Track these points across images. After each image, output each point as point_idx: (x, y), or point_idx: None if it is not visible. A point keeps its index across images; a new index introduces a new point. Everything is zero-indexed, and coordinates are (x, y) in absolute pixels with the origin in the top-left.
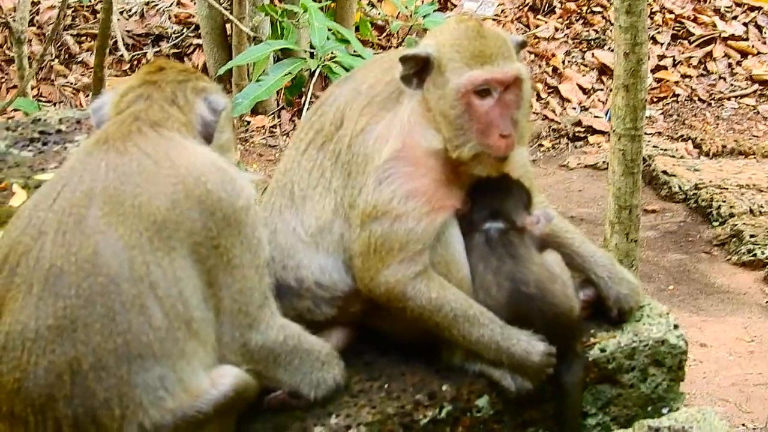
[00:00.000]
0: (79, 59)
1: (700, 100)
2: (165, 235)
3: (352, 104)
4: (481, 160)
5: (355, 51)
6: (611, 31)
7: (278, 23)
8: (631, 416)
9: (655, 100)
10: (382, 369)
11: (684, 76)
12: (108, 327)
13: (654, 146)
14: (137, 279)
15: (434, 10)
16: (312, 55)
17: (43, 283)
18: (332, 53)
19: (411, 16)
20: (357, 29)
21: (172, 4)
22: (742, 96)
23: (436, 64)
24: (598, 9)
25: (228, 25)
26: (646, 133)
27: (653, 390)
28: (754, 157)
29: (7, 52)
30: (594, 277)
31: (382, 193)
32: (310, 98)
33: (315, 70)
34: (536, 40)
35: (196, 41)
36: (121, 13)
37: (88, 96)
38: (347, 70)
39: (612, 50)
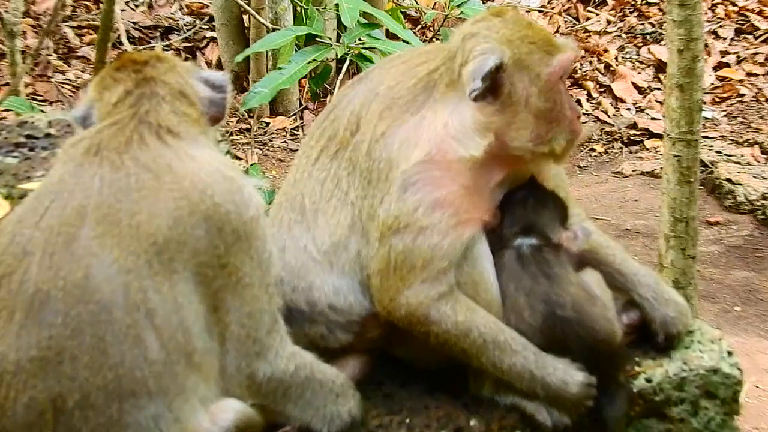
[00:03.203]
0: (80, 54)
1: (767, 100)
2: (166, 258)
3: (368, 107)
4: (568, 148)
5: (389, 32)
6: None
7: (302, 12)
8: None
9: (717, 100)
10: (403, 402)
11: (749, 74)
12: (98, 360)
13: (717, 152)
14: (132, 307)
15: None
16: (339, 43)
17: (26, 310)
18: (361, 40)
19: (447, 5)
20: None
21: None
22: None
23: (510, 64)
24: (655, 0)
25: (246, 17)
26: (707, 137)
27: (705, 425)
28: None
29: None
30: (637, 298)
31: (407, 202)
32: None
33: (343, 61)
34: (586, 34)
35: (209, 34)
36: (127, 2)
37: None
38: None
39: None
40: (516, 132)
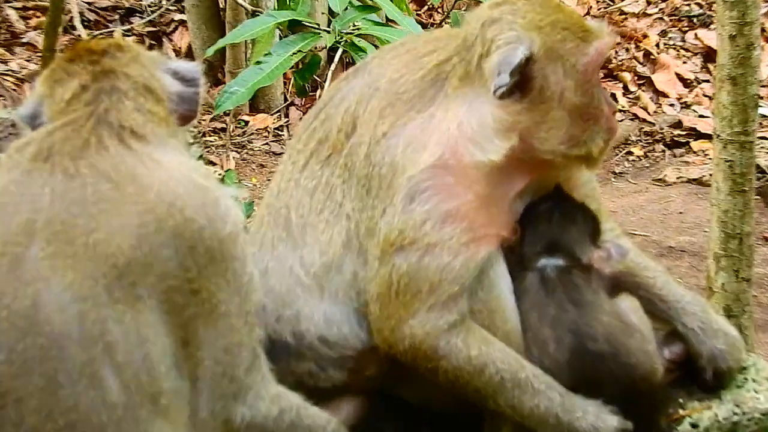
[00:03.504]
0: (25, 40)
1: None
2: (128, 282)
3: (367, 104)
4: (604, 150)
5: (388, 21)
6: None
7: None
8: None
9: None
10: None
11: None
12: (48, 403)
13: None
14: (89, 340)
15: None
16: (329, 29)
17: None
18: (356, 25)
19: None
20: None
21: None
22: None
23: (543, 54)
24: None
25: None
26: (765, 138)
27: None
28: None
29: None
30: (682, 329)
31: (414, 213)
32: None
33: (334, 50)
34: (622, 16)
35: (178, 17)
36: None
37: None
38: (376, 46)
39: None
40: (546, 132)
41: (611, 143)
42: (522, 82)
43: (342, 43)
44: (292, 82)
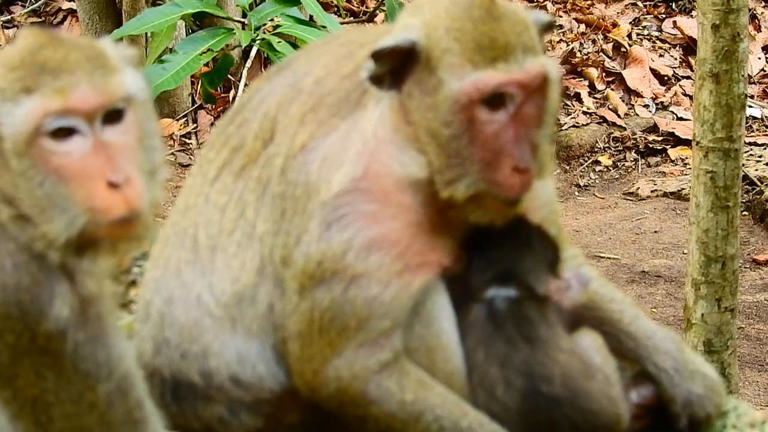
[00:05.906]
0: None
1: None
2: None
3: (288, 108)
4: (483, 203)
5: (311, 17)
6: None
7: None
8: None
9: None
10: None
11: None
12: None
13: None
14: None
15: None
16: (244, 25)
17: None
18: (274, 20)
19: None
20: None
21: None
22: None
23: (423, 56)
24: None
25: None
26: (755, 145)
27: None
28: None
29: None
30: (653, 370)
31: (332, 243)
32: (244, 91)
33: (250, 48)
34: (588, 1)
35: (67, 5)
36: None
37: None
38: (296, 46)
39: None
40: (428, 156)
41: (498, 203)
42: (398, 80)
43: (258, 42)
44: (200, 81)
